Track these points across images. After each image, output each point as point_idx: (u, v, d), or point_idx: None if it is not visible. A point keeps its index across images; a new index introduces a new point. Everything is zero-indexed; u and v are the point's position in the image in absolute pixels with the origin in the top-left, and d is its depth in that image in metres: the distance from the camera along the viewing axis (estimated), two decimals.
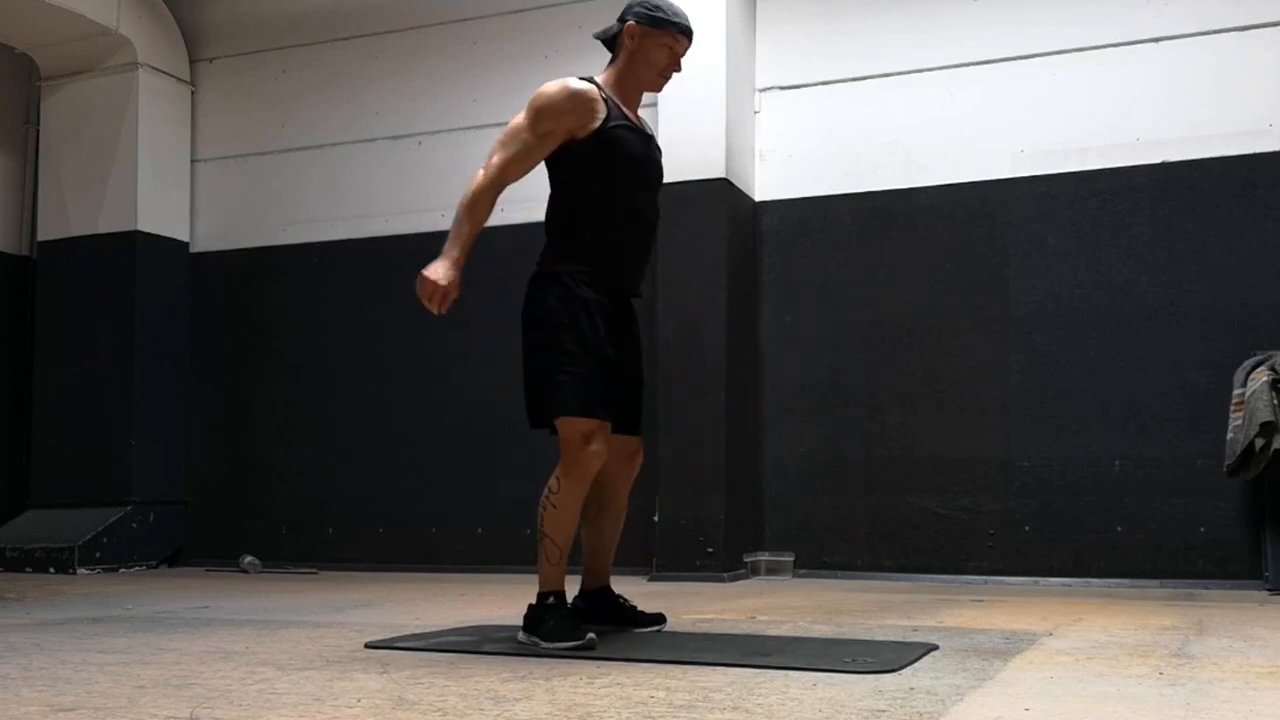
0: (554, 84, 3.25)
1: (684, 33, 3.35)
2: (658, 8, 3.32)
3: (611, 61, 3.39)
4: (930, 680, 2.61)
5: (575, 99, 3.23)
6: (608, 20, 7.08)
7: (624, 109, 3.36)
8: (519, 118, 3.27)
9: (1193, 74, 5.65)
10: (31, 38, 7.35)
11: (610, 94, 3.33)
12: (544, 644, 3.08)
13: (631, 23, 3.31)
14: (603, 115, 3.26)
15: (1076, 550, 5.63)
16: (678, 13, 3.35)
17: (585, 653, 3.01)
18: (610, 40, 3.38)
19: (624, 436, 3.40)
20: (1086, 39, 5.83)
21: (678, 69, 3.40)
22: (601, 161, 3.26)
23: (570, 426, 3.20)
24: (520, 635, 3.18)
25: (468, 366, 6.85)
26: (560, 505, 3.18)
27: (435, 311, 3.28)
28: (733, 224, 6.12)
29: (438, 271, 3.24)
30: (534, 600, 3.21)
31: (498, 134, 3.41)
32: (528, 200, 6.76)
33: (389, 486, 7.00)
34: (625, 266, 3.36)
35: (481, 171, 3.27)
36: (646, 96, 6.51)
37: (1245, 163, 5.53)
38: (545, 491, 3.21)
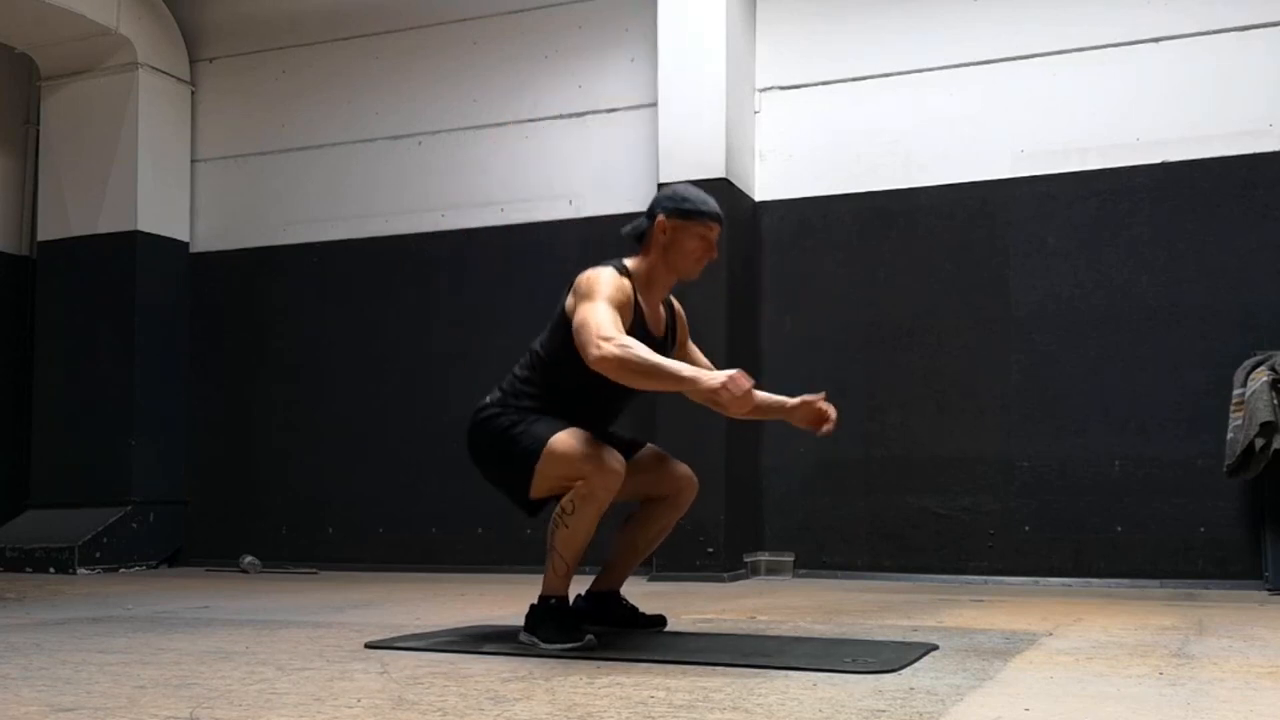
0: (605, 272, 3.17)
1: (716, 220, 3.31)
2: (685, 199, 3.29)
3: (642, 253, 3.33)
4: (930, 680, 2.61)
5: (624, 291, 3.18)
6: (607, 20, 7.11)
7: (645, 307, 3.31)
8: (586, 305, 3.07)
9: (1193, 74, 5.65)
10: (31, 38, 7.35)
11: (639, 288, 3.28)
12: (543, 644, 3.08)
13: (662, 217, 3.28)
14: (629, 317, 3.19)
15: (1076, 550, 5.63)
16: (705, 200, 3.31)
17: (585, 653, 3.01)
18: (639, 235, 3.34)
19: (678, 464, 3.48)
20: (1086, 39, 5.83)
21: (714, 255, 3.35)
22: None
23: (555, 455, 3.11)
24: (521, 635, 3.19)
25: (468, 366, 6.85)
26: (574, 527, 3.12)
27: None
28: (733, 224, 6.10)
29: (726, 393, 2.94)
30: (535, 601, 3.21)
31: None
32: (528, 200, 6.85)
33: (389, 486, 7.00)
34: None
35: (605, 347, 2.95)
36: (646, 95, 6.61)
37: (1245, 163, 5.53)
38: (558, 509, 3.16)
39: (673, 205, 3.29)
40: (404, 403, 7.02)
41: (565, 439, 3.13)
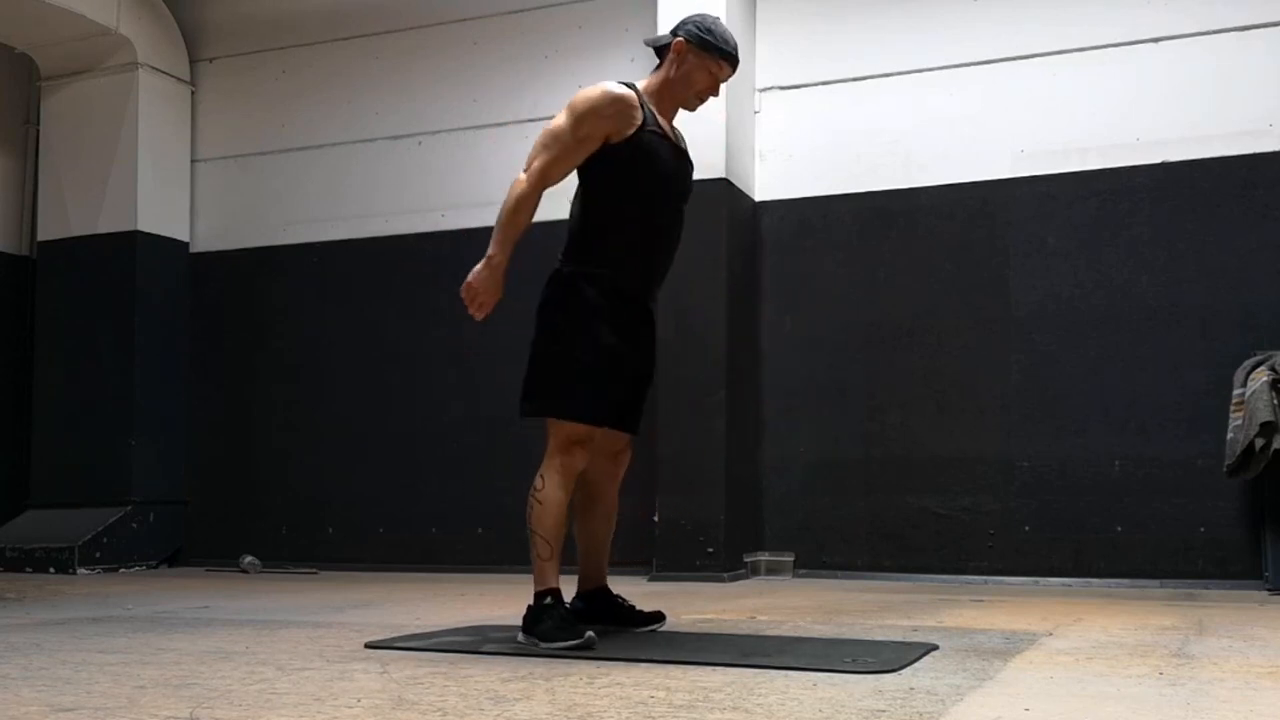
0: (595, 88, 3.24)
1: (729, 60, 3.33)
2: (710, 31, 3.31)
3: (655, 70, 3.38)
4: (930, 680, 2.61)
5: (616, 103, 3.23)
6: (607, 20, 7.08)
7: (660, 119, 3.35)
8: (559, 120, 3.25)
9: (1193, 74, 5.65)
10: (31, 38, 7.35)
11: (648, 102, 3.32)
12: (543, 644, 3.07)
13: (680, 39, 3.30)
14: (639, 122, 3.25)
15: (1076, 550, 5.63)
16: (728, 40, 3.34)
17: (584, 652, 3.01)
18: (660, 49, 3.38)
19: (613, 433, 3.40)
20: (1086, 39, 5.83)
21: (715, 94, 3.39)
22: (631, 168, 3.26)
23: (562, 429, 3.24)
24: (519, 636, 3.18)
25: (467, 366, 6.85)
26: (545, 501, 3.19)
27: (477, 317, 3.27)
28: (733, 224, 6.12)
29: (480, 275, 3.26)
30: (531, 601, 3.21)
31: (533, 133, 3.42)
32: None
33: (389, 486, 7.00)
34: (646, 273, 3.38)
35: (523, 175, 3.27)
36: None
37: (1245, 163, 5.53)
38: (531, 489, 3.22)
39: (696, 32, 3.30)
40: (404, 403, 7.02)
41: (571, 428, 3.22)
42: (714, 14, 6.03)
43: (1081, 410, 5.69)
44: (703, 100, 3.39)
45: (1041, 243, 5.83)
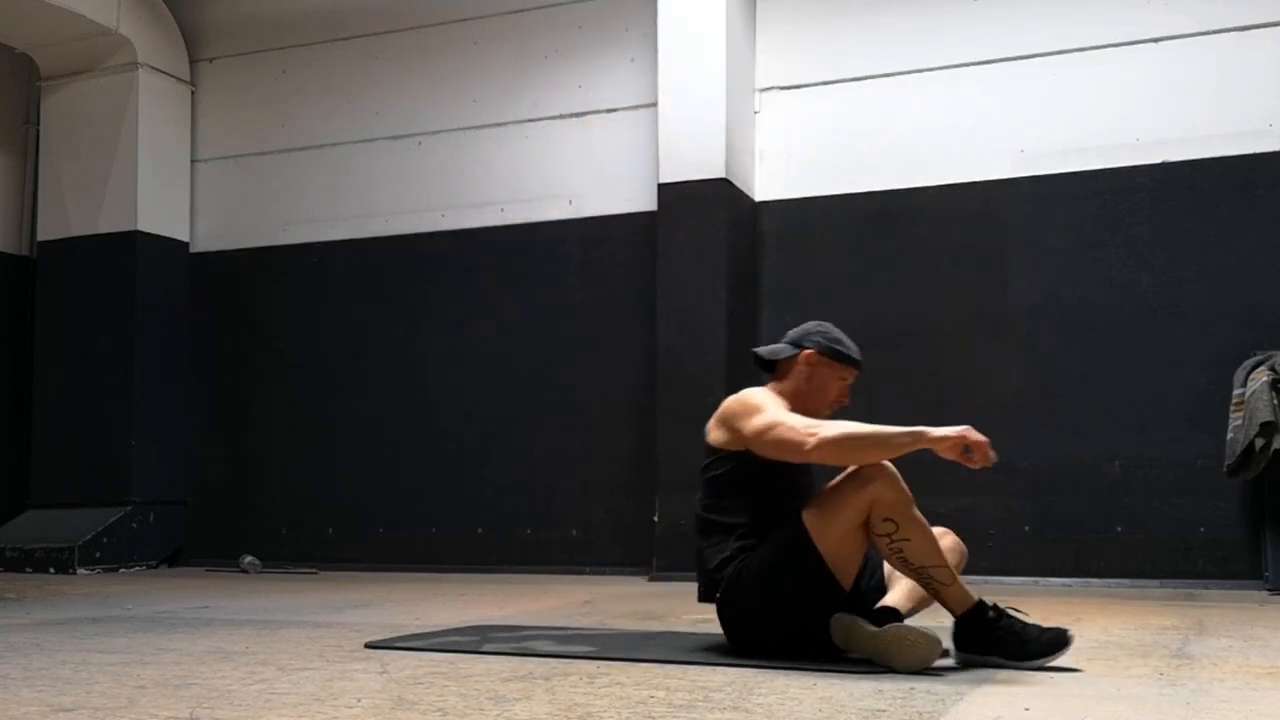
0: (758, 391, 3.13)
1: (859, 367, 3.27)
2: (839, 341, 3.23)
3: (776, 378, 3.23)
4: (930, 680, 2.61)
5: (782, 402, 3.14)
6: (607, 20, 7.07)
7: None
8: (759, 416, 3.01)
9: (1193, 74, 5.65)
10: (31, 38, 7.35)
11: None
12: (1031, 662, 2.76)
13: (811, 351, 3.19)
14: None
15: (1076, 550, 5.63)
16: (854, 348, 3.27)
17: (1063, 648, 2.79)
18: (772, 360, 3.25)
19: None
20: (1087, 39, 5.82)
21: (846, 403, 3.26)
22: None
23: (823, 521, 2.89)
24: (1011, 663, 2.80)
25: (467, 366, 6.85)
26: (912, 535, 2.87)
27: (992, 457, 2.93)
28: (733, 224, 6.12)
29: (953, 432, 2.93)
30: (960, 622, 2.86)
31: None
32: (528, 200, 6.85)
33: (389, 486, 7.00)
34: None
35: (834, 433, 2.92)
36: (646, 95, 6.60)
37: (1245, 163, 5.53)
38: (884, 541, 2.87)
39: (826, 345, 3.20)
40: (404, 402, 7.02)
41: (811, 518, 2.90)
42: (712, 13, 6.08)
43: (1081, 410, 5.68)
44: (832, 410, 3.22)
45: (1041, 243, 5.83)
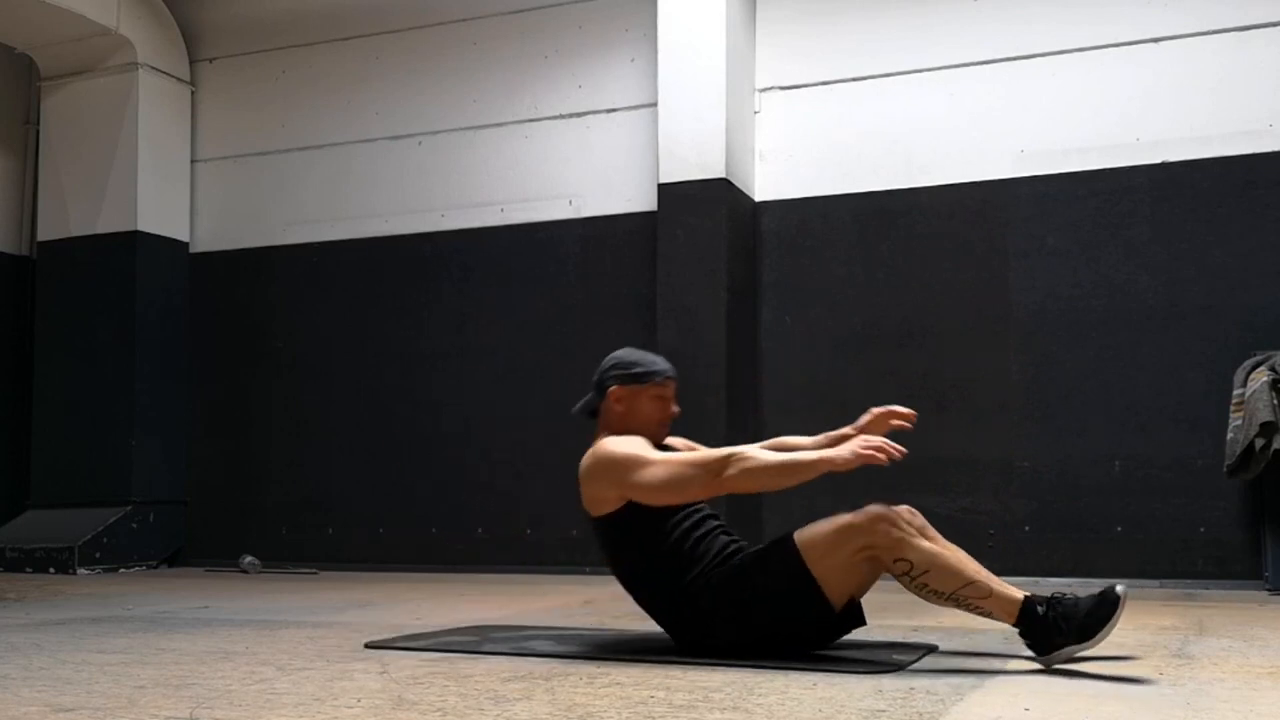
0: (606, 441, 3.09)
1: (669, 377, 3.22)
2: (635, 364, 3.19)
3: (601, 429, 3.19)
4: (930, 680, 2.61)
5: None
6: (607, 20, 7.06)
7: None
8: (635, 470, 2.99)
9: (1193, 74, 5.65)
10: (31, 38, 7.35)
11: None
12: (1078, 646, 2.76)
13: (615, 388, 3.16)
14: None
15: (1076, 550, 5.63)
16: (654, 359, 3.23)
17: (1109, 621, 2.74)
18: (592, 411, 3.22)
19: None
20: (1086, 39, 5.82)
21: (676, 412, 3.25)
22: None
23: (817, 546, 2.92)
24: (1041, 657, 2.82)
25: (467, 366, 6.85)
26: (935, 568, 2.84)
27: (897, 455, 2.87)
28: (733, 224, 6.12)
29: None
30: (1018, 621, 2.83)
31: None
32: (528, 200, 6.85)
33: (389, 486, 7.00)
34: None
35: (735, 470, 2.91)
36: (646, 95, 6.60)
37: (1245, 163, 5.53)
38: (908, 581, 2.86)
39: (624, 374, 3.17)
40: (404, 402, 7.02)
41: (807, 544, 2.92)
42: (712, 13, 6.07)
43: (1081, 410, 5.69)
44: (667, 426, 3.23)
45: (1041, 243, 5.83)
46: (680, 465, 2.96)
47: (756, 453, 2.94)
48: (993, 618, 2.87)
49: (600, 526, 3.13)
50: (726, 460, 2.90)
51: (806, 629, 2.98)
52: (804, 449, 3.14)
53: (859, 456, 2.78)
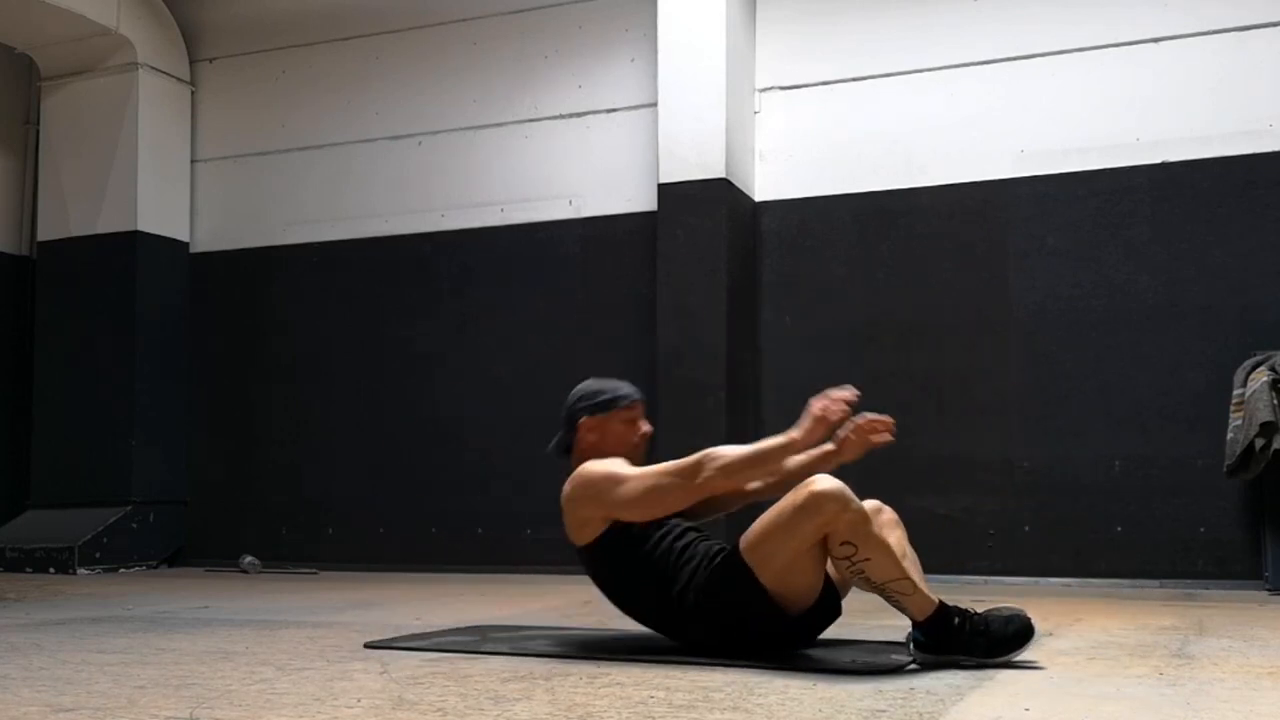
0: (585, 465, 3.10)
1: (636, 400, 3.24)
2: (600, 392, 3.21)
3: (576, 463, 3.18)
4: (930, 680, 2.61)
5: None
6: (607, 20, 7.06)
7: None
8: (617, 487, 3.02)
9: (1193, 74, 5.65)
10: (31, 38, 7.35)
11: None
12: (991, 658, 2.77)
13: (585, 418, 3.18)
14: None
15: (1076, 550, 5.63)
16: (617, 385, 3.24)
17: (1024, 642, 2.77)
18: (567, 448, 3.24)
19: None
20: (1086, 39, 5.83)
21: (649, 431, 3.27)
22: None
23: (761, 549, 2.90)
24: (920, 658, 2.83)
25: (467, 366, 6.85)
26: (872, 554, 2.82)
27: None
28: (733, 224, 6.12)
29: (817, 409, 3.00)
30: (921, 624, 2.84)
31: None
32: (528, 200, 6.85)
33: (389, 486, 7.00)
34: None
35: (709, 472, 2.97)
36: (646, 95, 6.60)
37: (1245, 163, 5.53)
38: (844, 563, 2.84)
39: (591, 404, 3.19)
40: (404, 402, 7.02)
41: (750, 550, 2.91)
42: (712, 13, 6.07)
43: (1081, 410, 5.69)
44: (643, 446, 3.25)
45: (1041, 243, 5.83)
46: (657, 475, 2.99)
47: (726, 449, 2.98)
48: (905, 611, 2.88)
49: (586, 554, 3.15)
50: (700, 462, 2.94)
51: (788, 630, 2.98)
52: (795, 464, 3.17)
53: (816, 420, 2.95)
